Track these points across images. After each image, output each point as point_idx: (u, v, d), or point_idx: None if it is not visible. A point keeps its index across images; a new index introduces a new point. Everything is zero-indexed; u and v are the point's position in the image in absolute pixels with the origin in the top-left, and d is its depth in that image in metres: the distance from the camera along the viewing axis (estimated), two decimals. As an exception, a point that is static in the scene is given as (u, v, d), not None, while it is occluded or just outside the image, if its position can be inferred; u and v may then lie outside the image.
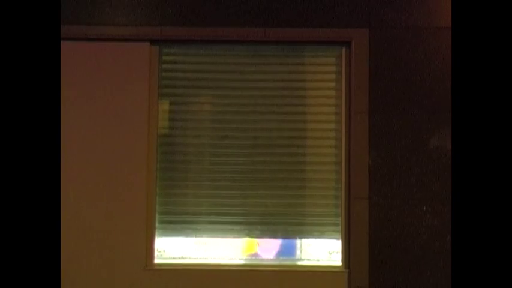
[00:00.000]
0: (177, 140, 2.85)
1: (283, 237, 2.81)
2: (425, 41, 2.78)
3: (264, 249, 2.82)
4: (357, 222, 2.72)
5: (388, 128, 2.75)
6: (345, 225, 2.76)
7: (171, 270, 2.75)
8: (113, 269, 2.73)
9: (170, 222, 2.82)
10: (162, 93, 2.85)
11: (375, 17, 2.79)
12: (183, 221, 2.81)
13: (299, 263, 2.81)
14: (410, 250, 2.70)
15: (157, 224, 2.80)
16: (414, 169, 2.73)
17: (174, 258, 2.81)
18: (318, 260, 2.80)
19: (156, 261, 2.79)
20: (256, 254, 2.82)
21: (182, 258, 2.81)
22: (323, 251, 2.81)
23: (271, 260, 2.81)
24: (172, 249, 2.82)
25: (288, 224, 2.81)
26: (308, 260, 2.81)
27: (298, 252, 2.82)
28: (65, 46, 2.76)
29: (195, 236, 2.81)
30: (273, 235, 2.81)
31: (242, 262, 2.81)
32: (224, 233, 2.81)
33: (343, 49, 2.84)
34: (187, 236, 2.81)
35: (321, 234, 2.81)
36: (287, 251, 2.82)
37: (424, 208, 2.72)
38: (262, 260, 2.81)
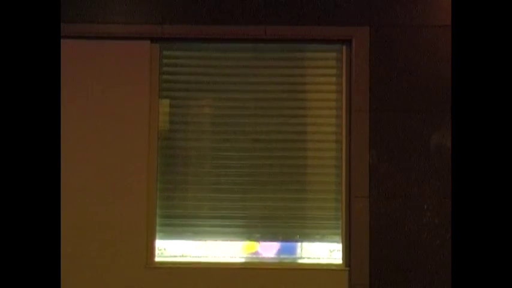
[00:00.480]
0: (178, 138, 2.85)
1: (284, 239, 2.81)
2: (426, 39, 2.77)
3: (264, 248, 2.83)
4: (357, 220, 2.72)
5: (389, 127, 2.75)
6: (346, 223, 2.77)
7: (171, 269, 2.76)
8: (113, 268, 2.73)
9: (170, 225, 2.81)
10: (163, 91, 2.85)
11: (375, 15, 2.79)
12: (183, 224, 2.81)
13: (300, 261, 2.81)
14: (410, 248, 2.71)
15: (157, 222, 2.80)
16: (414, 167, 2.73)
17: (175, 256, 2.81)
18: (319, 259, 2.81)
19: (157, 259, 2.79)
20: (257, 253, 2.83)
21: (183, 256, 2.81)
22: (324, 249, 2.81)
23: (272, 258, 2.82)
24: (173, 247, 2.82)
25: (288, 223, 2.80)
26: (309, 258, 2.81)
27: (298, 250, 2.82)
28: (65, 44, 2.75)
29: (195, 240, 2.81)
30: (274, 237, 2.81)
31: (243, 261, 2.81)
32: (225, 236, 2.81)
33: (344, 47, 2.84)
34: (187, 238, 2.81)
35: (321, 234, 2.81)
36: (288, 249, 2.82)
37: (425, 206, 2.72)
38: (263, 258, 2.82)
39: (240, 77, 2.86)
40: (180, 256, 2.81)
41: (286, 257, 2.81)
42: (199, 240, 2.81)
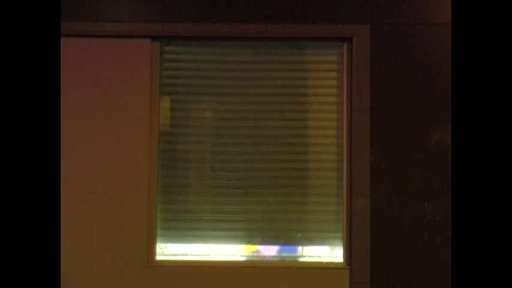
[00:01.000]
0: (179, 136, 2.84)
1: (286, 241, 2.80)
2: (427, 37, 2.77)
3: (265, 247, 2.82)
4: (358, 219, 2.72)
5: (390, 125, 2.75)
6: (347, 222, 2.77)
7: (172, 267, 2.76)
8: (114, 266, 2.73)
9: (171, 229, 2.81)
10: (163, 90, 2.84)
11: (376, 13, 2.78)
12: (184, 227, 2.81)
13: (301, 260, 2.81)
14: (411, 246, 2.71)
15: (158, 222, 2.80)
16: (415, 166, 2.73)
17: (175, 255, 2.81)
18: (320, 257, 2.81)
19: (158, 258, 2.79)
20: (258, 251, 2.82)
21: (184, 255, 2.81)
22: (325, 248, 2.81)
23: (273, 257, 2.82)
24: (174, 246, 2.82)
25: (289, 221, 2.80)
26: (310, 257, 2.81)
27: (300, 249, 2.82)
28: (65, 42, 2.74)
29: (196, 243, 2.80)
30: (275, 237, 2.80)
31: (244, 259, 2.81)
32: (225, 239, 2.81)
33: (345, 45, 2.83)
34: (188, 242, 2.81)
35: (322, 232, 2.80)
36: (289, 248, 2.82)
37: (426, 204, 2.72)
38: (264, 256, 2.82)
39: (240, 75, 2.86)
40: (181, 255, 2.81)
41: (287, 256, 2.81)
42: (200, 243, 2.81)
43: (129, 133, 2.77)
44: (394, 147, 2.74)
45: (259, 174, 2.81)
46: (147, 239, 2.75)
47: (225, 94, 2.85)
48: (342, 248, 2.79)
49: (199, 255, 2.81)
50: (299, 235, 2.81)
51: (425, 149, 2.74)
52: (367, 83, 2.76)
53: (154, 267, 2.75)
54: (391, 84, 2.76)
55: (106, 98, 2.78)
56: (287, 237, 2.81)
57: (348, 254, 2.76)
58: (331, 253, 2.81)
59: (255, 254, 2.82)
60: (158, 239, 2.80)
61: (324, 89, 2.85)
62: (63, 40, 2.72)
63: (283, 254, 2.82)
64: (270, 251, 2.82)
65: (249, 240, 2.81)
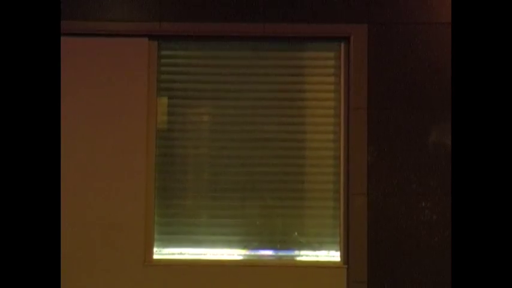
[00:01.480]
0: (176, 135, 2.84)
1: (283, 245, 2.80)
2: (425, 37, 2.77)
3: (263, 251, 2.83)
4: (355, 218, 2.72)
5: (387, 124, 2.75)
6: (344, 221, 2.77)
7: (170, 266, 2.76)
8: (112, 265, 2.73)
9: (168, 233, 2.81)
10: (161, 89, 2.84)
11: (374, 12, 2.78)
12: (181, 231, 2.82)
13: (298, 259, 2.82)
14: (409, 245, 2.71)
15: (156, 221, 2.80)
16: (413, 165, 2.74)
17: (173, 254, 2.81)
18: (317, 256, 2.81)
19: (155, 257, 2.79)
20: (255, 250, 2.82)
21: (181, 254, 2.81)
22: (322, 247, 2.81)
23: (270, 255, 2.82)
24: (170, 249, 2.82)
25: (287, 220, 2.81)
26: (307, 256, 2.81)
27: (297, 248, 2.82)
28: (62, 41, 2.74)
29: (193, 247, 2.80)
30: (272, 241, 2.81)
31: (241, 258, 2.81)
32: (222, 243, 2.82)
33: (342, 45, 2.83)
34: (184, 246, 2.81)
35: (320, 231, 2.81)
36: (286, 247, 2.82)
37: (423, 204, 2.73)
38: (262, 256, 2.82)
39: (237, 74, 2.86)
40: (179, 254, 2.81)
41: (284, 255, 2.81)
42: (196, 247, 2.80)
43: (126, 132, 2.77)
44: (392, 146, 2.74)
45: (257, 174, 2.81)
46: (145, 238, 2.75)
47: (222, 94, 2.85)
48: (339, 247, 2.80)
49: (196, 254, 2.81)
50: (296, 233, 2.81)
51: (423, 148, 2.74)
52: (365, 82, 2.76)
53: (151, 266, 2.75)
54: (388, 84, 2.76)
55: (103, 97, 2.78)
56: (285, 238, 2.81)
57: (345, 253, 2.76)
58: (329, 252, 2.81)
59: (253, 253, 2.82)
60: (156, 243, 2.80)
61: (321, 89, 2.86)
62: (61, 39, 2.72)
63: (280, 253, 2.82)
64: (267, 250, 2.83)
65: (246, 245, 2.81)
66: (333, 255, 2.80)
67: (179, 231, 2.82)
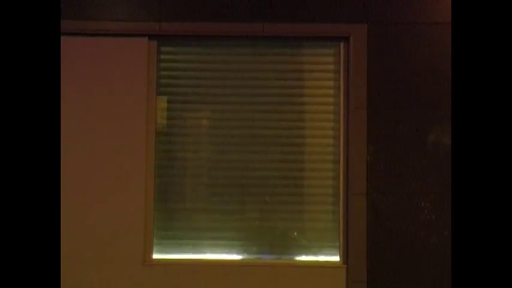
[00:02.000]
0: (175, 135, 2.85)
1: (282, 250, 2.80)
2: (425, 36, 2.77)
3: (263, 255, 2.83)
4: (355, 217, 2.72)
5: (387, 124, 2.75)
6: (343, 220, 2.77)
7: (169, 266, 2.76)
8: (111, 265, 2.73)
9: (168, 237, 2.81)
10: (160, 88, 2.84)
11: (373, 12, 2.78)
12: (181, 236, 2.82)
13: (298, 258, 2.81)
14: (408, 245, 2.71)
15: (155, 217, 2.81)
16: (412, 165, 2.73)
17: (172, 253, 2.81)
18: (317, 256, 2.81)
19: (155, 256, 2.79)
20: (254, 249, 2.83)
21: (180, 253, 2.81)
22: (321, 246, 2.81)
23: (270, 255, 2.82)
24: (169, 255, 2.82)
25: (286, 220, 2.81)
26: (306, 255, 2.81)
27: (296, 247, 2.82)
28: (62, 41, 2.74)
29: (191, 253, 2.80)
30: (271, 245, 2.81)
31: (240, 258, 2.81)
32: (221, 249, 2.82)
33: (342, 44, 2.83)
34: (183, 252, 2.80)
35: (319, 231, 2.81)
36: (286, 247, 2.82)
37: (422, 204, 2.72)
38: (261, 255, 2.82)
39: (236, 74, 2.86)
40: (178, 253, 2.81)
41: (284, 255, 2.81)
42: (195, 252, 2.80)
43: (126, 132, 2.77)
44: (391, 146, 2.74)
45: (257, 173, 2.82)
46: (144, 238, 2.76)
47: (222, 93, 2.85)
48: (338, 247, 2.80)
49: (195, 254, 2.81)
50: (296, 234, 2.81)
51: (422, 148, 2.74)
52: (364, 82, 2.76)
53: (151, 266, 2.76)
54: (388, 84, 2.76)
55: (102, 96, 2.78)
56: (285, 237, 2.81)
57: (345, 252, 2.76)
58: (328, 252, 2.81)
59: (252, 253, 2.82)
60: (155, 248, 2.80)
61: (321, 88, 2.86)
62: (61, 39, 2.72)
63: (280, 253, 2.81)
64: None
65: (246, 244, 2.81)
66: (332, 255, 2.80)
67: (179, 232, 2.82)
